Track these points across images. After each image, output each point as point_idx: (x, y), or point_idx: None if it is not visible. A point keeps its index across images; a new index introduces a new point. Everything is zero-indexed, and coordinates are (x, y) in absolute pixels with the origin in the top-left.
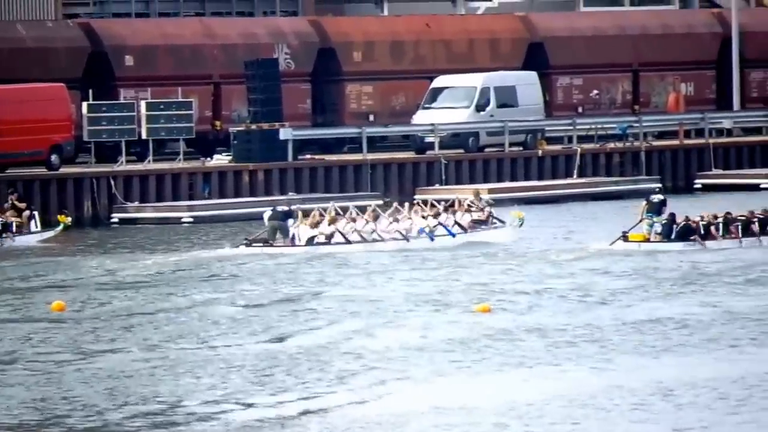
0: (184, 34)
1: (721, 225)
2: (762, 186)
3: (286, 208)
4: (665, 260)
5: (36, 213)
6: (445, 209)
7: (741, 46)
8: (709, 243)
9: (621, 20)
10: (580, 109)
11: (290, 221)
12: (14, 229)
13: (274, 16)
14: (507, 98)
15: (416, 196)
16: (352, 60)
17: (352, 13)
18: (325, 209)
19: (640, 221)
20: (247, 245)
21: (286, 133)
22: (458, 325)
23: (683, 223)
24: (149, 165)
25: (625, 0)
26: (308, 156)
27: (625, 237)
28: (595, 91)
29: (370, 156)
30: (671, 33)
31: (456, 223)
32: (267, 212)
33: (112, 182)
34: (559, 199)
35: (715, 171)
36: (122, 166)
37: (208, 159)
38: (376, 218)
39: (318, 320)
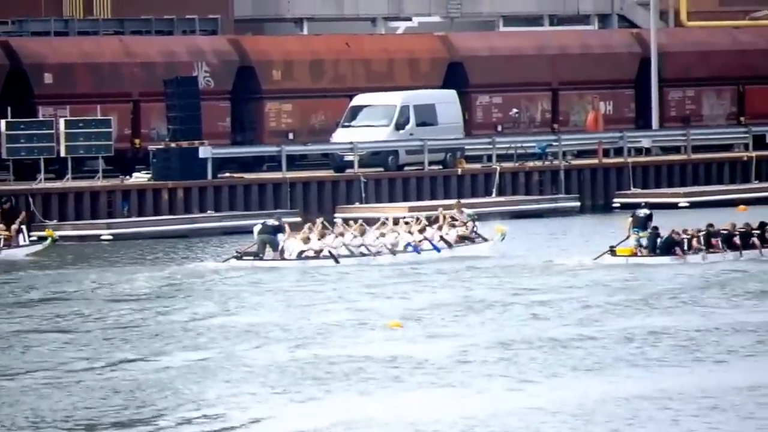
0: (103, 52)
1: (702, 238)
2: (680, 205)
3: (276, 222)
4: (650, 274)
5: (24, 227)
6: (430, 224)
7: (660, 65)
8: (690, 257)
9: (540, 40)
10: (499, 128)
11: (279, 235)
12: None
13: (193, 35)
14: (426, 117)
15: (336, 215)
16: (272, 78)
17: (272, 32)
18: (313, 223)
19: (628, 236)
20: (238, 258)
21: (205, 152)
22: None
23: (666, 236)
24: (68, 183)
25: (545, 20)
26: (227, 174)
27: (612, 251)
28: (515, 110)
29: (290, 174)
30: (590, 53)
31: (441, 238)
32: (257, 226)
33: (31, 200)
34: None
35: (633, 190)
36: (41, 183)
37: (128, 177)
38: (363, 233)
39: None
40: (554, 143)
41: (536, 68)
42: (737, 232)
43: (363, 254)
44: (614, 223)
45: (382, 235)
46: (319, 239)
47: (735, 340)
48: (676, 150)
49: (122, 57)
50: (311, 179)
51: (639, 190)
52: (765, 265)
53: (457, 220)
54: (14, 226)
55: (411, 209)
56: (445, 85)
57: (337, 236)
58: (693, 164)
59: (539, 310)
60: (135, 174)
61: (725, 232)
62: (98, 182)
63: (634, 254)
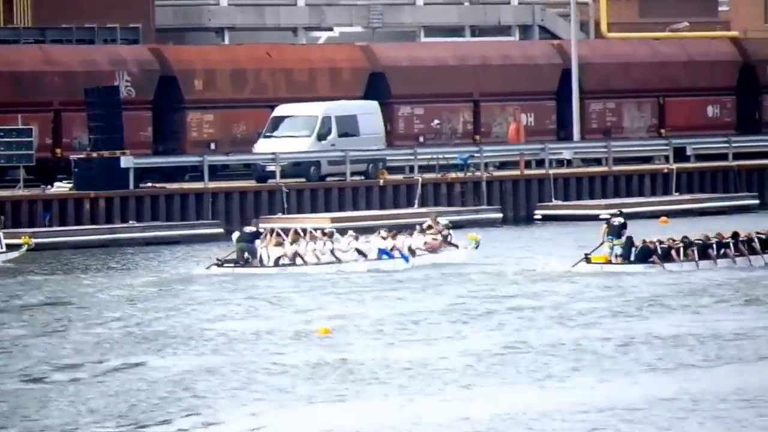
0: (23, 61)
1: (681, 248)
2: (601, 217)
3: (253, 229)
4: (626, 281)
5: (1, 234)
6: (400, 232)
7: (580, 77)
8: (667, 265)
9: (462, 51)
10: (421, 139)
11: (257, 242)
12: None
13: (114, 44)
14: (348, 127)
15: (261, 225)
16: (194, 88)
17: (194, 41)
18: (286, 231)
19: (602, 243)
20: (219, 265)
21: (127, 161)
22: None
23: (641, 245)
24: None
25: (466, 31)
26: (149, 184)
27: (587, 259)
28: (436, 121)
29: (212, 185)
30: (511, 64)
31: (409, 247)
32: (235, 234)
33: None
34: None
35: (555, 202)
36: None
37: (49, 187)
38: (331, 236)
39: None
40: (476, 154)
41: (458, 79)
42: (712, 242)
43: (332, 262)
44: (539, 234)
45: (356, 238)
46: (291, 244)
47: (707, 346)
48: (597, 162)
49: (43, 66)
50: (233, 189)
51: (560, 202)
52: (738, 273)
53: (432, 228)
54: None
55: (333, 220)
56: (367, 96)
57: (308, 242)
58: (614, 176)
59: (506, 317)
60: (56, 184)
61: (699, 242)
62: (19, 192)
63: (609, 261)
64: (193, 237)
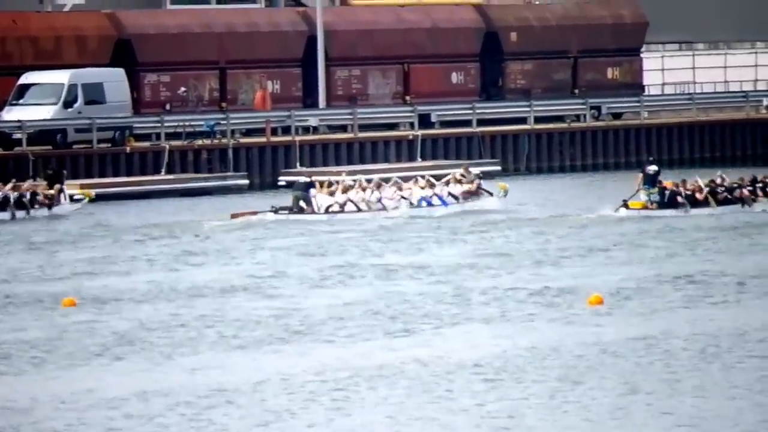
0: None
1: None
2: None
3: (308, 179)
4: (656, 224)
5: (65, 188)
6: (438, 180)
7: (326, 44)
8: (695, 210)
9: (207, 18)
10: (168, 107)
11: (312, 191)
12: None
13: None
14: (95, 95)
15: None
16: None
17: None
18: (337, 181)
19: (638, 191)
20: (275, 212)
21: None
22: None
23: (670, 191)
24: None
25: None
26: None
27: (626, 205)
28: (183, 89)
29: None
30: (257, 31)
31: (450, 194)
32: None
33: None
34: (150, 195)
35: (299, 168)
36: None
37: None
38: (379, 187)
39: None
40: (222, 122)
41: (204, 47)
42: (742, 186)
43: (380, 209)
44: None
45: (400, 189)
46: (342, 193)
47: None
48: (343, 128)
49: None
50: None
51: (305, 168)
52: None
53: (465, 177)
54: (57, 186)
55: (81, 186)
56: (113, 63)
57: (359, 191)
58: (359, 143)
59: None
60: None
61: (723, 187)
62: None
63: (645, 207)
64: None
